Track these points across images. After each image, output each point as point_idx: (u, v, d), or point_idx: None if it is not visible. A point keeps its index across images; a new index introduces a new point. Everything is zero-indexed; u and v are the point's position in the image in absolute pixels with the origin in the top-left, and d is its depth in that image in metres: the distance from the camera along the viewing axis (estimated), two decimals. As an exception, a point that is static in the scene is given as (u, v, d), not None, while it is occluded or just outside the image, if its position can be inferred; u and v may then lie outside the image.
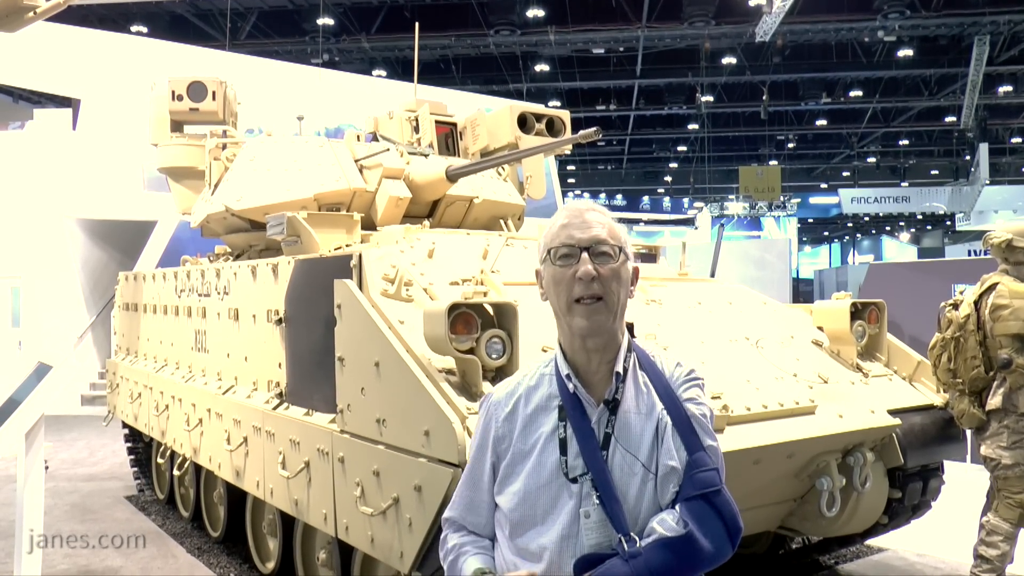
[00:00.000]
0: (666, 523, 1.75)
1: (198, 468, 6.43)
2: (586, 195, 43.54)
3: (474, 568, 1.89)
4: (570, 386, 1.84)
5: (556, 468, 1.82)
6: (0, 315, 14.22)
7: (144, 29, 20.29)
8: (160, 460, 7.19)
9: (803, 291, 27.50)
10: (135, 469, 8.35)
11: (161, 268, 7.60)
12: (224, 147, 6.48)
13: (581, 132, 4.56)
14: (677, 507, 1.77)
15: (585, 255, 1.79)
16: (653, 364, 1.88)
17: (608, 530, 1.77)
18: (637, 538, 1.75)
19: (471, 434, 3.18)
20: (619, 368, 1.83)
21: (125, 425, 8.23)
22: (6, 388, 4.81)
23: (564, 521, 1.80)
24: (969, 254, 25.36)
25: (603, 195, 44.06)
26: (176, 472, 6.75)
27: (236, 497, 5.88)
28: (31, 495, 4.67)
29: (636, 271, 1.87)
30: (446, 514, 2.04)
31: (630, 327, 1.91)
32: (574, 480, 1.80)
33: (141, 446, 8.28)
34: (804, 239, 51.49)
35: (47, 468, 5.30)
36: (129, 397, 7.67)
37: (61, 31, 14.15)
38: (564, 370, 1.86)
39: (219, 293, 5.86)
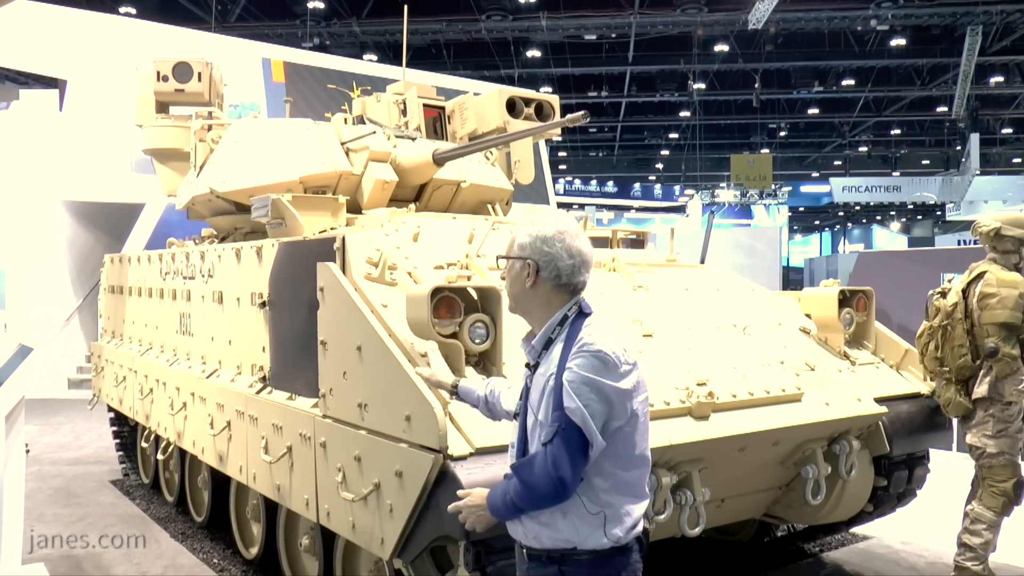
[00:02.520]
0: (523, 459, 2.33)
1: (183, 452, 6.39)
2: (577, 181, 43.48)
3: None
4: (524, 351, 2.48)
5: (515, 407, 2.48)
6: (-15, 298, 14.13)
7: (132, 10, 20.07)
8: (145, 444, 7.16)
9: (793, 279, 27.57)
10: (120, 453, 8.30)
11: (147, 251, 7.53)
12: (209, 128, 6.41)
13: (569, 116, 4.51)
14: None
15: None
16: (574, 338, 2.28)
17: None
18: None
19: (452, 420, 3.18)
20: (534, 341, 2.41)
21: (110, 409, 8.18)
22: (-13, 370, 4.76)
23: (510, 446, 2.48)
24: (959, 244, 25.45)
25: (594, 182, 44.01)
26: (160, 456, 6.71)
27: (220, 482, 5.84)
28: (11, 478, 4.62)
29: (526, 264, 2.38)
30: None
31: (580, 307, 2.39)
32: (516, 417, 2.45)
33: (126, 430, 8.23)
34: (795, 228, 51.58)
35: (28, 452, 5.25)
36: (114, 380, 7.62)
37: (48, 11, 13.99)
38: (527, 341, 2.48)
39: (203, 276, 5.80)
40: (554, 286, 2.37)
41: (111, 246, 13.72)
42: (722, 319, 4.65)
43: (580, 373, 2.20)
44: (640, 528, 2.36)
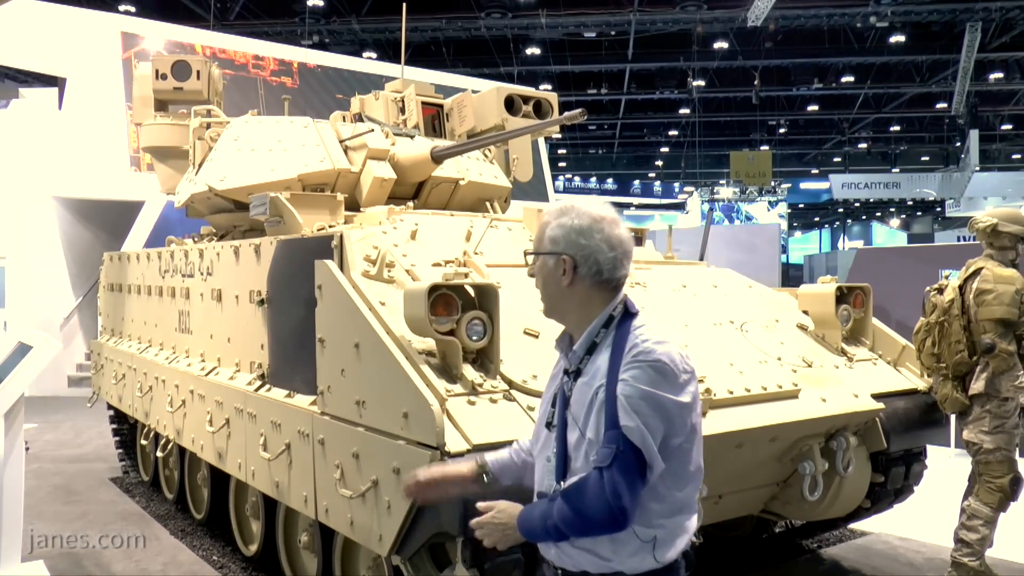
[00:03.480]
0: (571, 481, 2.05)
1: (182, 450, 6.40)
2: (576, 179, 43.48)
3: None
4: (560, 357, 2.24)
5: (546, 415, 2.22)
6: (-15, 295, 14.12)
7: (132, 8, 20.07)
8: (144, 441, 7.17)
9: (793, 276, 27.58)
10: (120, 451, 8.32)
11: (146, 248, 7.54)
12: (208, 126, 6.42)
13: (566, 113, 4.51)
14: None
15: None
16: (623, 344, 2.04)
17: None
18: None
19: (450, 417, 3.19)
20: (576, 347, 2.15)
21: (110, 406, 8.19)
22: (-13, 368, 4.76)
23: (542, 459, 2.21)
24: (959, 240, 25.42)
25: (594, 179, 44.02)
26: (160, 454, 6.72)
27: (219, 479, 5.85)
28: (11, 476, 4.64)
29: (561, 260, 2.10)
30: None
31: (627, 307, 2.14)
32: (549, 427, 2.18)
33: (126, 427, 8.24)
34: (794, 224, 51.58)
35: (28, 449, 5.26)
36: (114, 378, 7.63)
37: (48, 9, 13.99)
38: (564, 343, 2.24)
39: (202, 274, 5.81)
40: (594, 283, 2.10)
41: (110, 244, 13.73)
42: (720, 316, 4.66)
43: (637, 386, 1.96)
44: (688, 543, 2.13)
